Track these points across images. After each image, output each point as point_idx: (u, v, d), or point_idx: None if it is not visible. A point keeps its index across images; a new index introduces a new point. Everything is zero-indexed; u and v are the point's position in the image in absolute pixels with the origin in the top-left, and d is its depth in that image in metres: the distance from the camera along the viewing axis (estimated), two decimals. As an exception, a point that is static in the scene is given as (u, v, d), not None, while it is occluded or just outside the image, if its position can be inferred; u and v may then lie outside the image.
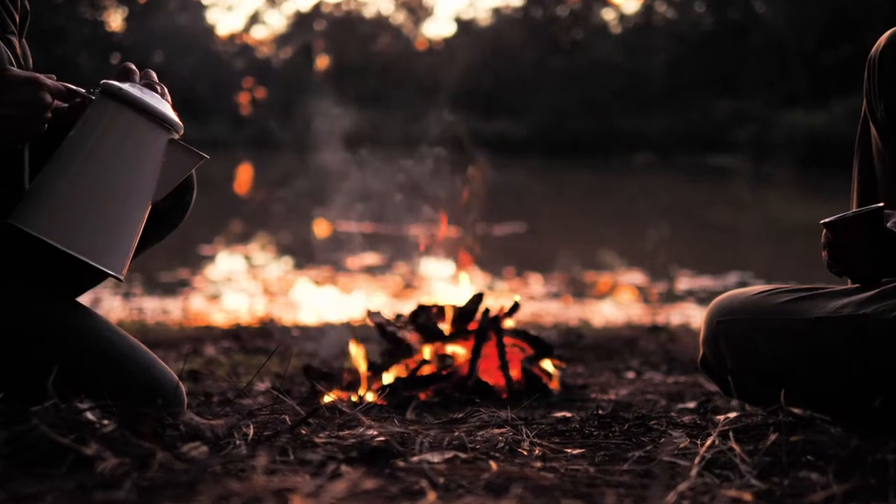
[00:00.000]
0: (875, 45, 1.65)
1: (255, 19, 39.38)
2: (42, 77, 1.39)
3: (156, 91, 1.50)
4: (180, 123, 1.51)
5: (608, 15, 36.44)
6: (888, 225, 1.53)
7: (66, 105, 1.47)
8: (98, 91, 1.46)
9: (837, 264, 1.61)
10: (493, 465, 1.28)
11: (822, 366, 1.54)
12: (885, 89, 1.62)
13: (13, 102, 1.36)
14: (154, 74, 1.52)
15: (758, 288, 1.71)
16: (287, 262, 8.11)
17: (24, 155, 1.44)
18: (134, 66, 1.51)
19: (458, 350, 2.43)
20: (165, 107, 1.49)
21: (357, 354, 2.47)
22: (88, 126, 1.45)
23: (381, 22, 37.80)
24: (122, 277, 1.49)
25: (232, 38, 36.92)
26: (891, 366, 1.47)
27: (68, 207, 1.44)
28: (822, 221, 1.58)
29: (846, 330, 1.51)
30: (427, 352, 2.42)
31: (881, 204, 1.55)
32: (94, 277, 1.75)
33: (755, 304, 1.66)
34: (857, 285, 1.61)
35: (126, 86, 1.47)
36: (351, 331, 3.79)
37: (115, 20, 33.35)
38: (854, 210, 1.56)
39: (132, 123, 1.45)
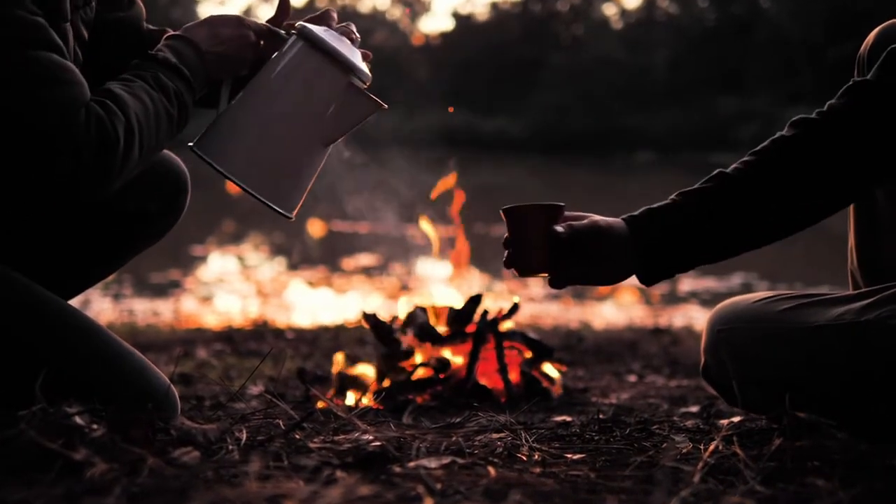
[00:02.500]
0: (864, 43, 1.64)
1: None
2: (245, 17, 1.56)
3: (351, 39, 1.56)
4: (367, 72, 1.56)
5: (609, 10, 36.48)
6: (556, 228, 1.48)
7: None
8: (293, 32, 1.54)
9: (509, 255, 1.54)
10: (492, 470, 1.26)
11: (824, 374, 1.52)
12: None
13: (225, 40, 1.52)
14: (353, 25, 1.60)
15: (759, 295, 1.69)
16: (281, 262, 8.09)
17: (224, 89, 1.55)
18: (334, 13, 1.60)
19: (455, 353, 2.41)
20: (354, 53, 1.55)
21: (353, 358, 2.45)
22: (278, 65, 1.53)
23: (376, 17, 37.78)
24: (292, 217, 1.53)
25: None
26: (893, 373, 1.45)
27: (247, 143, 1.50)
28: (501, 209, 1.54)
29: (847, 337, 1.49)
30: (423, 354, 2.39)
31: (562, 203, 1.52)
32: (91, 277, 1.73)
33: (756, 312, 1.64)
34: (858, 291, 1.59)
35: (319, 29, 1.53)
36: (346, 333, 3.78)
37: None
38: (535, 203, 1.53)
39: (318, 65, 1.52)
